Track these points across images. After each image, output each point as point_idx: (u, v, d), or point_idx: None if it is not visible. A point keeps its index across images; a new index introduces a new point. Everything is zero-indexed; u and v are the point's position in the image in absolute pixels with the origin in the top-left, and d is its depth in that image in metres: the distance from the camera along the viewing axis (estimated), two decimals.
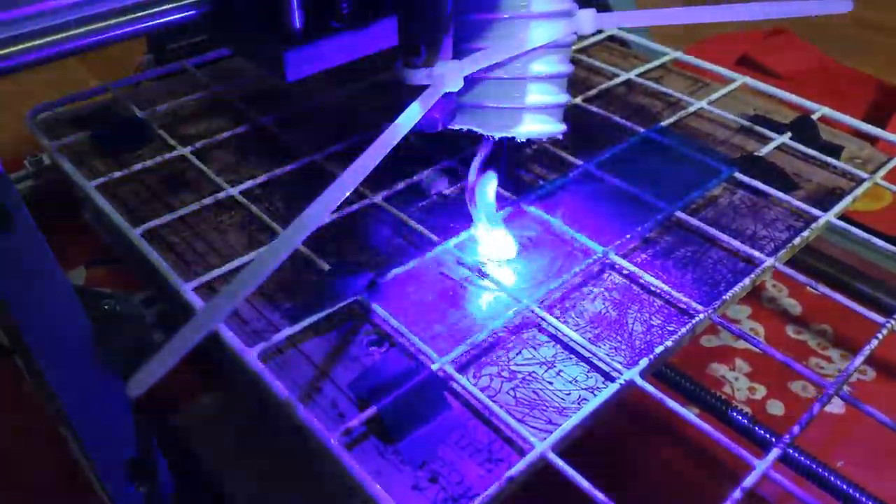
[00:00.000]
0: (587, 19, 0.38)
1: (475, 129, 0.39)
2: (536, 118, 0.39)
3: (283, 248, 0.27)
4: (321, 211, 0.28)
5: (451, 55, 0.37)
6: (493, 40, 0.37)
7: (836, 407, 0.43)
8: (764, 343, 0.34)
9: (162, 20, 0.39)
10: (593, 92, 0.52)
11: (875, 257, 0.52)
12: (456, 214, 0.41)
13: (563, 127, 0.40)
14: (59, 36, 0.37)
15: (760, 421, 0.38)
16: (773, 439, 0.31)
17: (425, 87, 0.35)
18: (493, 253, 0.38)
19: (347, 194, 0.29)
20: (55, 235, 0.39)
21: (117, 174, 0.43)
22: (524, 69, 0.37)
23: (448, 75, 0.35)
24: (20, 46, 0.35)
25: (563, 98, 0.39)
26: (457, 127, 0.40)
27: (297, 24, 0.39)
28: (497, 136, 0.39)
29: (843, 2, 0.39)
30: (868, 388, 0.50)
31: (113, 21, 0.38)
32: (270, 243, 0.27)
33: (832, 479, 0.38)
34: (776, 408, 0.49)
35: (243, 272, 0.25)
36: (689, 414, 0.30)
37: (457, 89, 0.36)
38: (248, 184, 0.43)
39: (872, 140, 0.49)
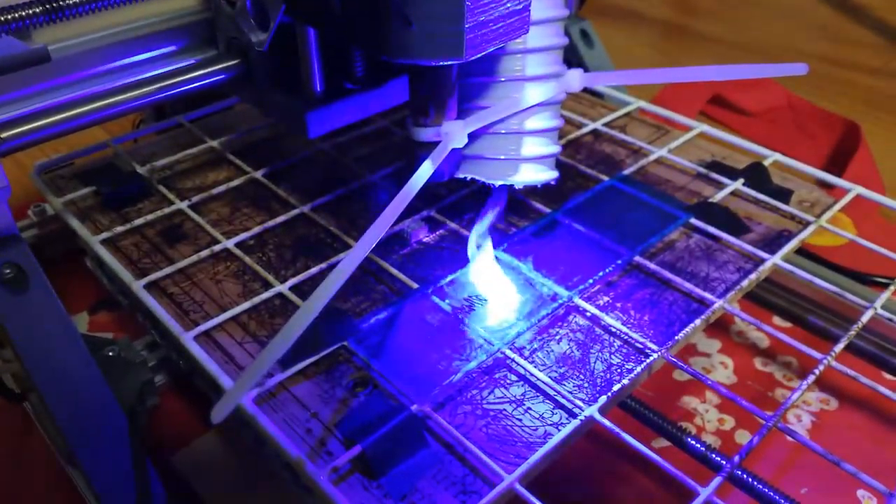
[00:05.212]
0: (575, 79, 0.42)
1: (478, 177, 0.43)
2: (532, 167, 0.43)
3: (320, 300, 0.30)
4: (345, 271, 0.31)
5: (456, 114, 0.41)
6: (492, 100, 0.41)
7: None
8: (711, 379, 0.37)
9: (194, 85, 0.43)
10: (563, 141, 0.56)
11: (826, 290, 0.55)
12: (435, 262, 0.45)
13: (555, 174, 0.44)
14: (101, 104, 0.40)
15: (715, 448, 0.42)
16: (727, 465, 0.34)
17: (433, 143, 0.39)
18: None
19: (366, 254, 0.33)
20: (58, 280, 0.42)
21: (120, 229, 0.47)
22: (520, 125, 0.42)
23: (454, 133, 0.39)
24: (61, 116, 0.39)
25: (555, 148, 0.44)
26: (461, 176, 0.44)
27: (318, 89, 0.43)
28: (497, 183, 0.43)
29: (799, 66, 0.42)
30: (831, 416, 0.53)
31: (148, 88, 0.41)
32: (295, 313, 0.30)
33: (782, 502, 0.41)
34: (744, 437, 0.52)
35: (278, 336, 0.30)
36: (640, 445, 0.33)
37: (462, 145, 0.40)
38: (242, 236, 0.46)
39: (821, 183, 0.53)
